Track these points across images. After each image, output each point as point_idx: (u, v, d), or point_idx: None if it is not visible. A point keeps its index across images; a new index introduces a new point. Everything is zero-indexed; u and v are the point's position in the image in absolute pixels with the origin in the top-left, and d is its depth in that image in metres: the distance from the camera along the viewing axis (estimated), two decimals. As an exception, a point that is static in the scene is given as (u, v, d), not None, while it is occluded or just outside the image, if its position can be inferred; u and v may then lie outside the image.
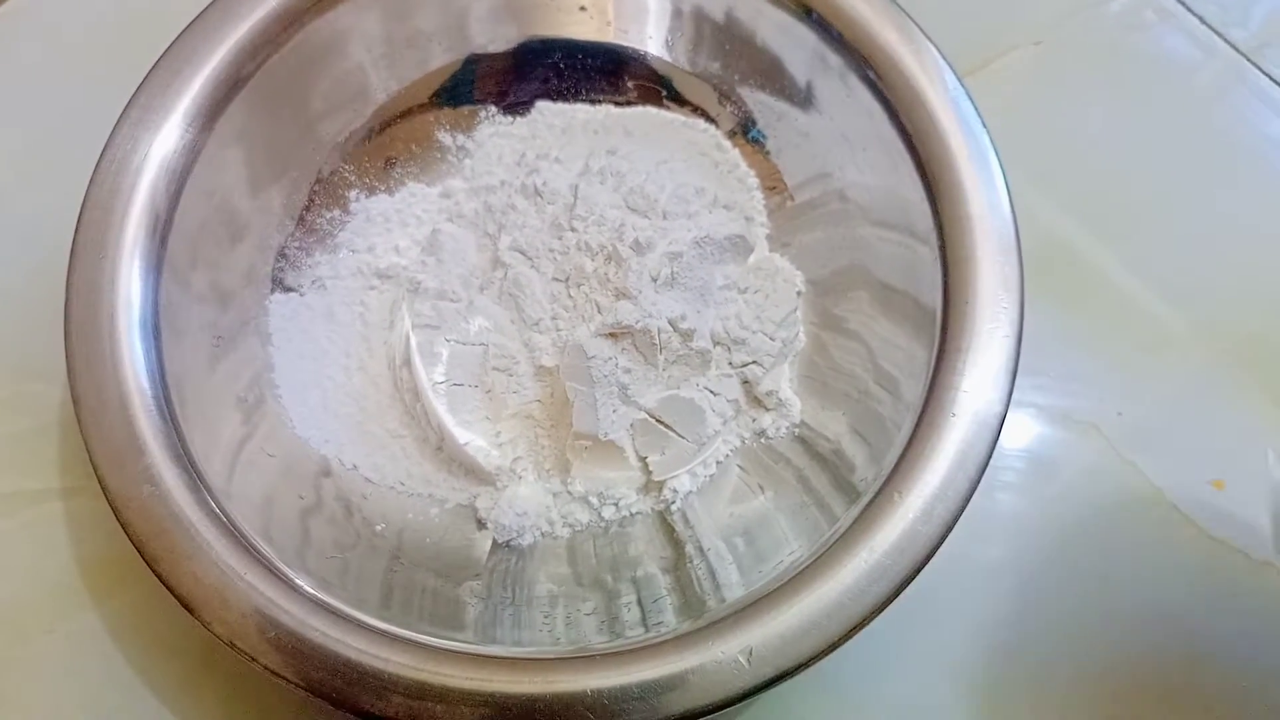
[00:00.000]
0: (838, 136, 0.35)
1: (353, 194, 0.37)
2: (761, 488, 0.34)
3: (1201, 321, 0.39)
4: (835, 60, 0.34)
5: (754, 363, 0.34)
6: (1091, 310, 0.39)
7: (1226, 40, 0.44)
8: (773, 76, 0.37)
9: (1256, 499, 0.36)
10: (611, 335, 0.32)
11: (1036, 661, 0.34)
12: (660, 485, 0.33)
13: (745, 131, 0.38)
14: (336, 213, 0.37)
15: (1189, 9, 0.45)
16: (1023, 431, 0.37)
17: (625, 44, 0.38)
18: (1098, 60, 0.44)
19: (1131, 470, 0.36)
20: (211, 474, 0.30)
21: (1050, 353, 0.37)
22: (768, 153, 0.38)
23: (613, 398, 0.32)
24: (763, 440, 0.35)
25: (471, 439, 0.34)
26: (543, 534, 0.34)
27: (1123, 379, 0.38)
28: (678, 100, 0.38)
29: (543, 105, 0.38)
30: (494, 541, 0.34)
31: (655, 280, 0.33)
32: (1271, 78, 0.43)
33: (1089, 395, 0.37)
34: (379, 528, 0.33)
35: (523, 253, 0.34)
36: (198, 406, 0.31)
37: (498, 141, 0.38)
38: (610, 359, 0.32)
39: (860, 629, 0.27)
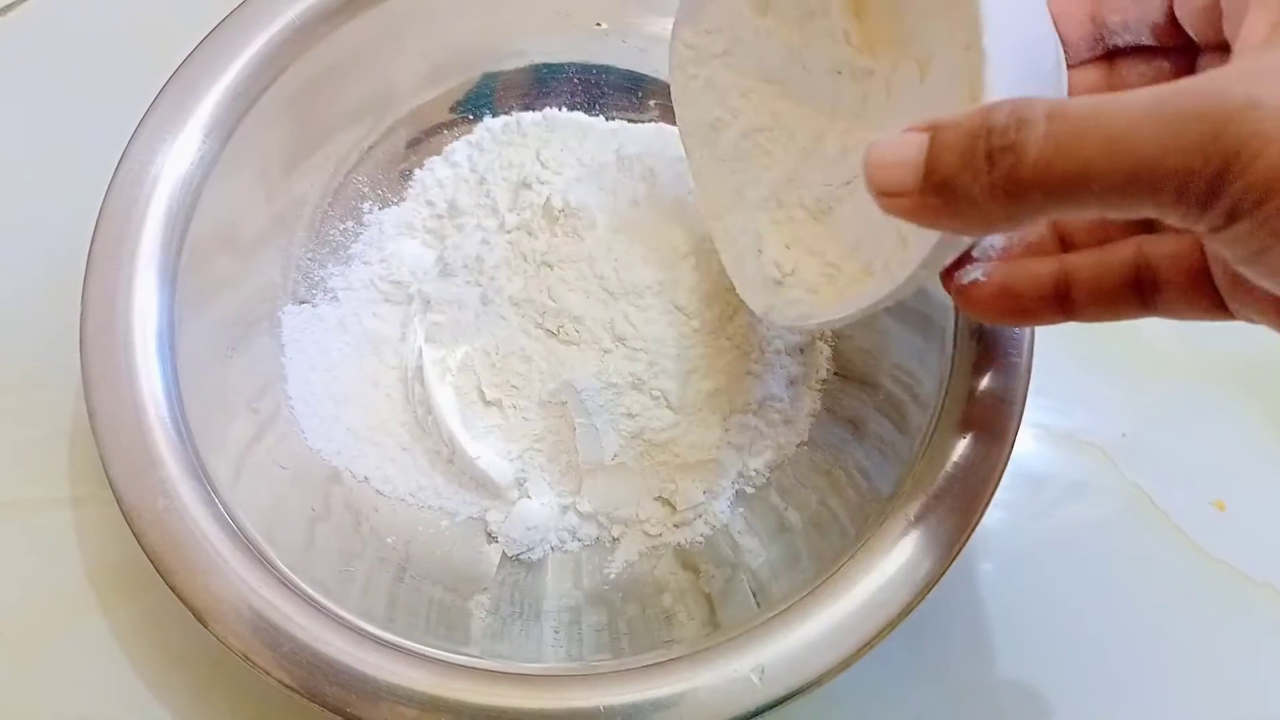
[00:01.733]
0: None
1: (366, 205, 0.38)
2: (777, 508, 0.34)
3: (1206, 344, 0.39)
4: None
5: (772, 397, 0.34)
6: (1097, 332, 0.39)
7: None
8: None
9: (1258, 520, 0.36)
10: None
11: (1038, 680, 0.34)
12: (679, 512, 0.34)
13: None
14: (350, 224, 0.37)
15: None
16: (1027, 451, 0.37)
17: (643, 61, 0.39)
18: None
19: (1135, 491, 0.37)
20: (224, 485, 0.30)
21: (1055, 374, 0.37)
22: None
23: (617, 420, 0.32)
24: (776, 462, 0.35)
25: (483, 452, 0.34)
26: (552, 548, 0.34)
27: (1127, 400, 0.38)
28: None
29: (551, 113, 0.39)
30: (504, 555, 0.34)
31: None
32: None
33: (1093, 416, 0.38)
34: (389, 540, 0.33)
35: (537, 266, 0.34)
36: (211, 418, 0.31)
37: (506, 152, 0.38)
38: (610, 385, 0.32)
39: (871, 647, 0.27)
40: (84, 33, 0.42)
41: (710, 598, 0.32)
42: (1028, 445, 0.37)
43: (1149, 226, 0.25)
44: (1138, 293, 0.24)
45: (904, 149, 0.20)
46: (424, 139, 0.38)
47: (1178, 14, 0.24)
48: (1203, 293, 0.23)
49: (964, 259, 0.25)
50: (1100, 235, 0.25)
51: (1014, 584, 0.35)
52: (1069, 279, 0.25)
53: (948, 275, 0.26)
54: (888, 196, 0.20)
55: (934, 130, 0.20)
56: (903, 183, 0.20)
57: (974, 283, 0.25)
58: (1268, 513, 0.37)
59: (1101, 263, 0.24)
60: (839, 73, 0.28)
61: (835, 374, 0.36)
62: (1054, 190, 0.18)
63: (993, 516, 0.35)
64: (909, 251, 0.24)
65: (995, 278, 0.25)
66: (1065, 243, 0.26)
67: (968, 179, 0.19)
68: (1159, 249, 0.24)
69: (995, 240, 0.26)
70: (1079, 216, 0.24)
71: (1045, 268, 0.25)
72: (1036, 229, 0.26)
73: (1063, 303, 0.25)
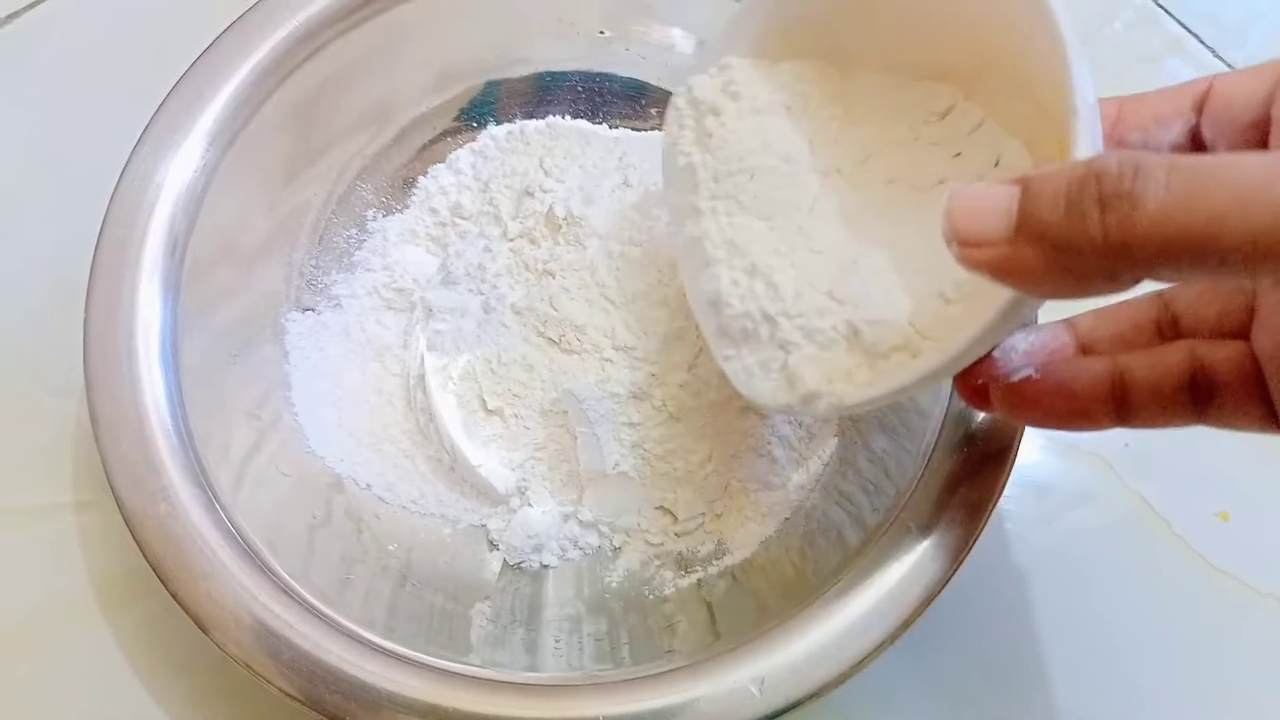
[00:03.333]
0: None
1: (370, 213, 0.38)
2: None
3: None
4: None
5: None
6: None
7: (1225, 61, 0.44)
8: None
9: (1263, 531, 0.36)
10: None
11: (1040, 691, 0.34)
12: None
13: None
14: (354, 231, 0.37)
15: (1188, 30, 0.45)
16: (1030, 461, 0.37)
17: (646, 69, 0.39)
18: (1098, 83, 0.44)
19: (1137, 500, 0.37)
20: (226, 492, 0.30)
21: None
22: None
23: (619, 429, 0.32)
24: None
25: (484, 460, 0.34)
26: (554, 557, 0.34)
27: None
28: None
29: (554, 121, 0.39)
30: (505, 563, 0.34)
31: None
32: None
33: (1096, 425, 0.38)
34: (390, 547, 0.33)
35: (539, 274, 0.35)
36: (214, 424, 0.31)
37: (510, 160, 0.38)
38: (611, 395, 0.32)
39: (873, 659, 0.27)
40: (89, 41, 0.42)
41: (711, 607, 0.32)
42: (1030, 455, 0.37)
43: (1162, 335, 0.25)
44: (1193, 398, 0.23)
45: (993, 197, 0.19)
46: (428, 146, 0.38)
47: (1206, 133, 0.24)
48: (1257, 402, 0.23)
49: (984, 369, 0.24)
50: (1128, 341, 0.25)
51: (1016, 595, 0.35)
52: (1125, 380, 0.23)
53: (981, 380, 0.24)
54: (971, 247, 0.19)
55: (1025, 182, 0.18)
56: (990, 232, 0.19)
57: (1027, 380, 0.24)
58: (1272, 524, 0.36)
59: (1156, 364, 0.23)
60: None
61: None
62: (1170, 245, 0.17)
63: (995, 526, 0.35)
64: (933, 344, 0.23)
65: (1051, 374, 0.24)
66: (1086, 349, 0.25)
67: (1073, 228, 0.18)
68: (1215, 354, 0.23)
69: (1018, 344, 0.24)
70: (1178, 279, 0.22)
71: (1098, 366, 0.24)
72: (1059, 338, 0.25)
73: (1119, 405, 0.23)
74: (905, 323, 0.25)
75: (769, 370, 0.27)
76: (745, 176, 0.28)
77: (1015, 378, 0.24)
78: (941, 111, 0.28)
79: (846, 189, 0.28)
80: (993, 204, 0.19)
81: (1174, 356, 0.24)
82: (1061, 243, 0.18)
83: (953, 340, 0.23)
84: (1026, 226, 0.18)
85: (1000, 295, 0.21)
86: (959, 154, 0.27)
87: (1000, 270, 0.19)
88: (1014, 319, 0.22)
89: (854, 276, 0.26)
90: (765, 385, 0.27)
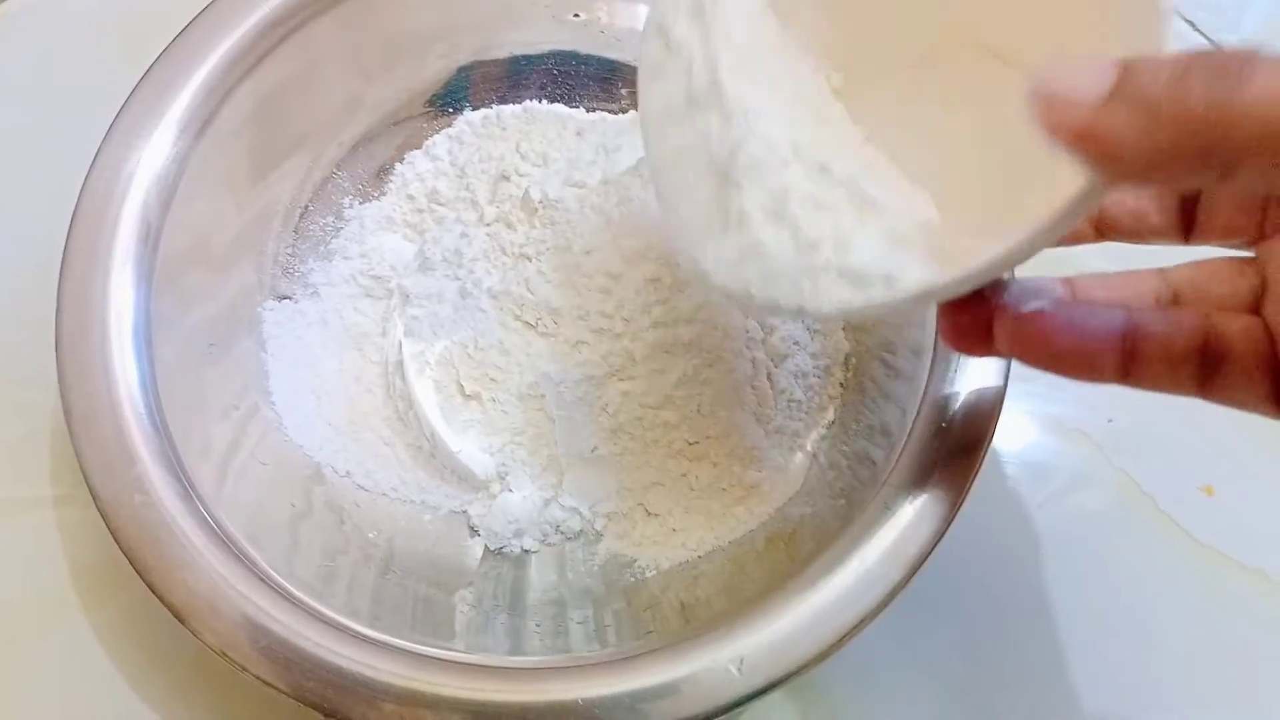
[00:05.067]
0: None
1: (346, 200, 0.37)
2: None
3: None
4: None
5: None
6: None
7: (1214, 43, 0.44)
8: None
9: (1247, 505, 0.36)
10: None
11: (1026, 668, 0.34)
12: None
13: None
14: (330, 219, 0.37)
15: (1180, 15, 0.45)
16: (1013, 438, 0.37)
17: (620, 52, 0.38)
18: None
19: (1121, 477, 0.37)
20: (203, 482, 0.30)
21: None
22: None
23: (596, 412, 0.32)
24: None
25: (464, 446, 0.34)
26: (535, 541, 0.34)
27: (1113, 386, 0.38)
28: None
29: (531, 105, 0.38)
30: (486, 549, 0.34)
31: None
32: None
33: (1079, 402, 0.38)
34: (371, 535, 0.33)
35: (515, 258, 0.34)
36: (190, 414, 0.31)
37: (486, 145, 0.38)
38: (588, 378, 0.32)
39: (851, 637, 0.27)
40: (59, 32, 0.42)
41: (695, 589, 0.32)
42: (1012, 431, 0.37)
43: None
44: (1201, 365, 0.23)
45: (1090, 67, 0.18)
46: (404, 133, 0.38)
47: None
48: (1265, 379, 0.23)
49: (990, 301, 0.23)
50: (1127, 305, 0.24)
51: (999, 571, 0.35)
52: (1139, 333, 0.23)
53: (976, 316, 0.23)
54: (1058, 108, 0.18)
55: (1127, 62, 0.18)
56: (1081, 92, 0.17)
57: (1039, 314, 0.23)
58: (1256, 497, 0.36)
59: (1172, 322, 0.23)
60: None
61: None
62: (1270, 128, 0.16)
63: (978, 505, 0.35)
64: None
65: (1065, 312, 0.23)
66: None
67: (1173, 95, 0.17)
68: (1229, 324, 0.23)
69: (1021, 282, 0.24)
70: (1270, 175, 0.20)
71: (1114, 314, 0.23)
72: (1058, 289, 0.25)
73: (1128, 357, 0.23)
74: (932, 220, 0.23)
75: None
76: (747, 71, 0.25)
77: (1026, 308, 0.23)
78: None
79: (853, 93, 0.26)
80: (1088, 68, 0.18)
81: (1188, 318, 0.23)
82: (1159, 108, 0.17)
83: (1005, 236, 0.20)
84: (1124, 88, 0.17)
85: (1044, 202, 0.19)
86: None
87: (1085, 137, 0.18)
88: (1078, 213, 0.20)
89: (877, 174, 0.24)
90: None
